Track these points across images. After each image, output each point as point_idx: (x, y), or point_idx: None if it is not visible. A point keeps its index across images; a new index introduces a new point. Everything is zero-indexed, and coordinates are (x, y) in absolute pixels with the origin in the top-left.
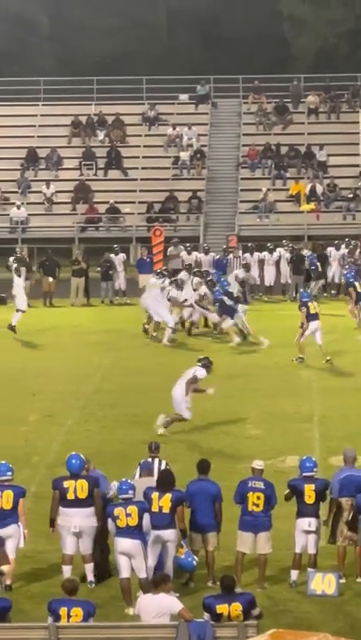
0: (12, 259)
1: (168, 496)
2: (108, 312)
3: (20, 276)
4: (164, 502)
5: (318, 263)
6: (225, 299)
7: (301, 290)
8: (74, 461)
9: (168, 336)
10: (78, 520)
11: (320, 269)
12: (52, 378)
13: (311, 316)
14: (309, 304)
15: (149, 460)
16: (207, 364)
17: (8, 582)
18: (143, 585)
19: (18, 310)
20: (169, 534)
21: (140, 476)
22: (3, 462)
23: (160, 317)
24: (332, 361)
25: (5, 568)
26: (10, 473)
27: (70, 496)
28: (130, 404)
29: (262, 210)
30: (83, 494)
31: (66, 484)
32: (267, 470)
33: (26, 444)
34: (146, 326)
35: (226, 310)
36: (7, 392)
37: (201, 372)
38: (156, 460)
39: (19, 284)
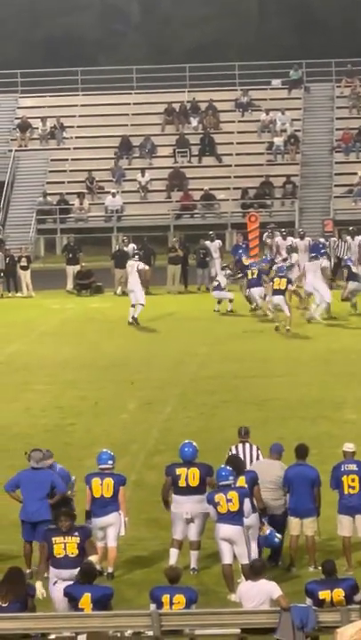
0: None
1: (242, 479)
2: (204, 299)
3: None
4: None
5: None
6: None
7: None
8: (186, 449)
9: (318, 310)
10: (190, 506)
11: None
12: (150, 365)
13: (274, 291)
14: (275, 279)
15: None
16: None
17: (110, 570)
18: (245, 571)
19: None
20: (251, 519)
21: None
22: (104, 451)
23: (317, 292)
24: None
25: (94, 558)
26: (111, 462)
27: (182, 483)
28: (228, 391)
29: (358, 194)
30: (194, 482)
31: (178, 471)
32: None
33: (125, 432)
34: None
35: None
36: (107, 380)
37: None
38: (247, 445)
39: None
